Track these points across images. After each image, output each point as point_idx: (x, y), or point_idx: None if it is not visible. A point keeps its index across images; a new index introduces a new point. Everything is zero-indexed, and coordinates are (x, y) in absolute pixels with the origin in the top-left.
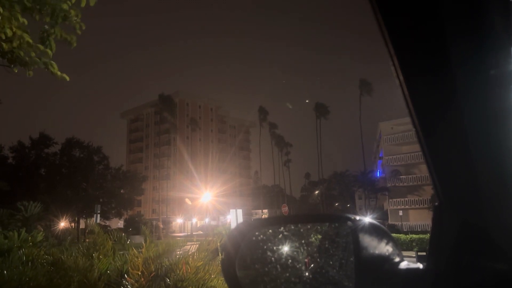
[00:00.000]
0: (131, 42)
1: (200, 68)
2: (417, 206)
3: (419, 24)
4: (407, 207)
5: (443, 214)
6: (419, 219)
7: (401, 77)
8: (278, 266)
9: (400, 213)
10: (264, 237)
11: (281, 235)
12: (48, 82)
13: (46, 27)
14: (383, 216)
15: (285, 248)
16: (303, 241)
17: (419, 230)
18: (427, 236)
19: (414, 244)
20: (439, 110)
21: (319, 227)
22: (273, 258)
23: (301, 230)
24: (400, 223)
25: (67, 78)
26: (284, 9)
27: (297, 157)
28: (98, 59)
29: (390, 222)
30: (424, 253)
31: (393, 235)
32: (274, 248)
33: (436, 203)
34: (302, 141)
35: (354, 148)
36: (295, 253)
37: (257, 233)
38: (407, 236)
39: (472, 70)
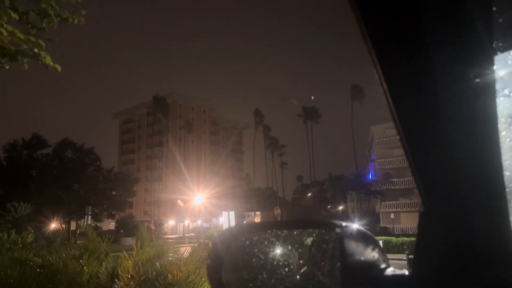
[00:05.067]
0: (124, 43)
1: (193, 70)
2: (408, 209)
3: (402, 33)
4: (398, 210)
5: (429, 220)
6: (411, 222)
7: (385, 85)
8: (266, 271)
9: (392, 216)
10: (252, 243)
11: (267, 241)
12: (39, 81)
13: (43, 5)
14: (374, 219)
15: (274, 253)
16: (290, 247)
17: (410, 233)
18: None
19: (405, 247)
20: (423, 118)
21: (310, 230)
22: (260, 264)
23: (291, 234)
24: (391, 226)
25: (59, 68)
26: (278, 13)
27: (290, 159)
28: (91, 59)
29: (381, 225)
30: None
31: (385, 238)
32: (262, 253)
33: (422, 210)
34: (295, 144)
35: (346, 151)
36: (282, 259)
37: (243, 239)
38: (398, 239)
39: (456, 78)
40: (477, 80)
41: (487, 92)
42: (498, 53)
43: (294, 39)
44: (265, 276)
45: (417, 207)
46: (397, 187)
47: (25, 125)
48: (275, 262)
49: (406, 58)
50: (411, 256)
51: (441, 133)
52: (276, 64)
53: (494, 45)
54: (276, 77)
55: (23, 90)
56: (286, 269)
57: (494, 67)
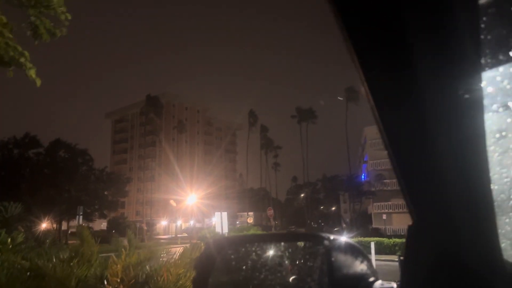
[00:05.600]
0: (118, 44)
1: (187, 70)
2: (400, 210)
3: (390, 50)
4: (390, 211)
5: (417, 234)
6: (403, 223)
7: (372, 103)
8: (253, 284)
9: (384, 217)
10: (239, 255)
11: (254, 253)
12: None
13: (33, 18)
14: (366, 219)
15: (261, 265)
16: (278, 258)
17: (402, 234)
18: None
19: (397, 248)
20: (411, 134)
21: (298, 242)
22: (247, 276)
23: (278, 246)
24: (384, 227)
25: (38, 83)
26: (273, 16)
27: (284, 160)
28: (85, 58)
29: (374, 225)
30: None
31: (377, 239)
32: (248, 266)
33: (410, 224)
34: (289, 145)
35: (340, 152)
36: (269, 270)
37: (230, 252)
38: (390, 240)
39: (445, 94)
40: (466, 96)
41: (476, 108)
42: (487, 69)
43: (290, 40)
44: None
45: None
46: (389, 188)
47: (16, 124)
48: (262, 275)
49: (394, 75)
50: (402, 258)
51: (430, 148)
52: (271, 65)
53: (482, 62)
54: (271, 78)
55: (14, 89)
56: (274, 281)
57: (483, 83)
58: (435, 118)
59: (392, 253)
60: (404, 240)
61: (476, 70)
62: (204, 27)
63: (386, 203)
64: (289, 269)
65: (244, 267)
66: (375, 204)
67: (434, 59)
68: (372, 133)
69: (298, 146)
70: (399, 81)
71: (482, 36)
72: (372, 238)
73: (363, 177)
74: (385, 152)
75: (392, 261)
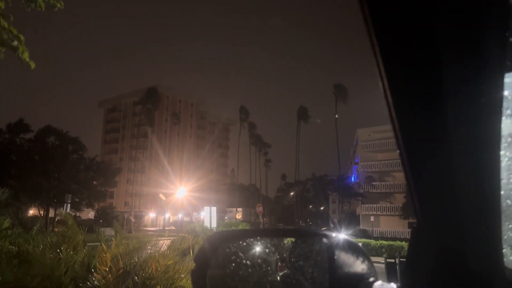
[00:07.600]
0: (113, 32)
1: (182, 63)
2: (388, 212)
3: (412, 48)
4: (378, 213)
5: (421, 236)
6: (390, 225)
7: (390, 99)
8: (250, 278)
9: (372, 218)
10: (238, 250)
11: (255, 247)
12: (23, 68)
13: None
14: (355, 221)
15: (260, 259)
16: (277, 256)
17: (389, 236)
18: (396, 243)
19: (383, 250)
20: (425, 134)
21: (300, 239)
22: (246, 271)
23: (276, 242)
24: (371, 229)
25: (32, 66)
26: (266, 13)
27: (275, 158)
28: (79, 46)
29: (361, 227)
30: (393, 260)
31: (364, 240)
32: (248, 260)
33: (415, 225)
34: (280, 142)
35: (331, 152)
36: (269, 266)
37: (230, 245)
38: (377, 242)
39: (463, 95)
40: (484, 98)
41: (493, 111)
42: (506, 72)
43: (282, 39)
44: (251, 284)
45: (396, 211)
46: (378, 190)
47: (6, 109)
48: (262, 270)
49: (415, 73)
50: (389, 260)
51: (443, 150)
52: (265, 64)
53: (505, 64)
54: (265, 76)
55: (5, 74)
56: (270, 278)
57: (502, 86)
58: (452, 120)
59: (379, 255)
60: (390, 242)
61: (498, 72)
62: (201, 25)
63: (374, 205)
64: (277, 266)
65: (244, 261)
66: (363, 205)
67: (456, 59)
68: (364, 134)
69: (289, 144)
70: (419, 79)
71: (507, 39)
72: (359, 239)
73: (353, 178)
74: (376, 155)
75: (379, 263)
